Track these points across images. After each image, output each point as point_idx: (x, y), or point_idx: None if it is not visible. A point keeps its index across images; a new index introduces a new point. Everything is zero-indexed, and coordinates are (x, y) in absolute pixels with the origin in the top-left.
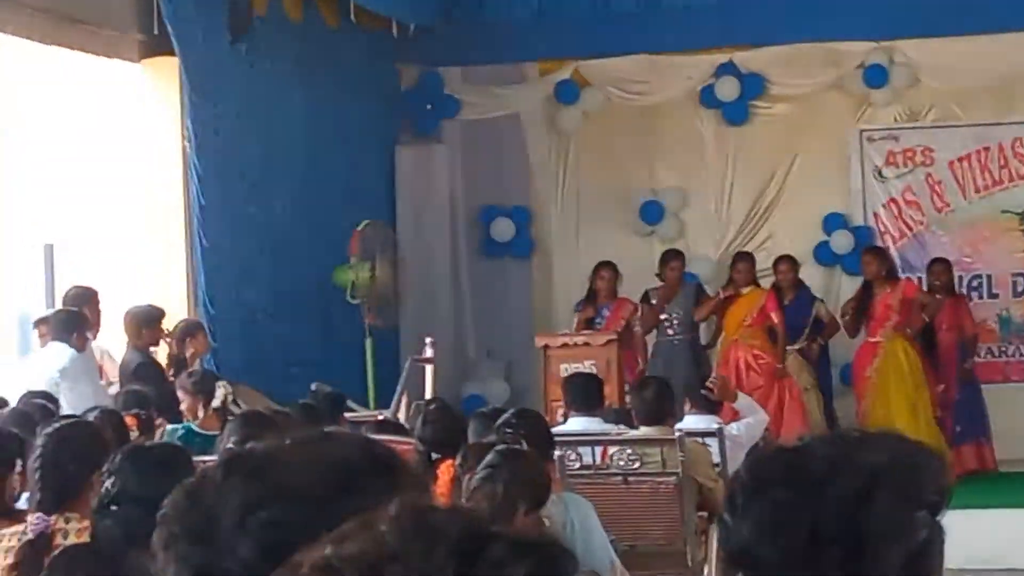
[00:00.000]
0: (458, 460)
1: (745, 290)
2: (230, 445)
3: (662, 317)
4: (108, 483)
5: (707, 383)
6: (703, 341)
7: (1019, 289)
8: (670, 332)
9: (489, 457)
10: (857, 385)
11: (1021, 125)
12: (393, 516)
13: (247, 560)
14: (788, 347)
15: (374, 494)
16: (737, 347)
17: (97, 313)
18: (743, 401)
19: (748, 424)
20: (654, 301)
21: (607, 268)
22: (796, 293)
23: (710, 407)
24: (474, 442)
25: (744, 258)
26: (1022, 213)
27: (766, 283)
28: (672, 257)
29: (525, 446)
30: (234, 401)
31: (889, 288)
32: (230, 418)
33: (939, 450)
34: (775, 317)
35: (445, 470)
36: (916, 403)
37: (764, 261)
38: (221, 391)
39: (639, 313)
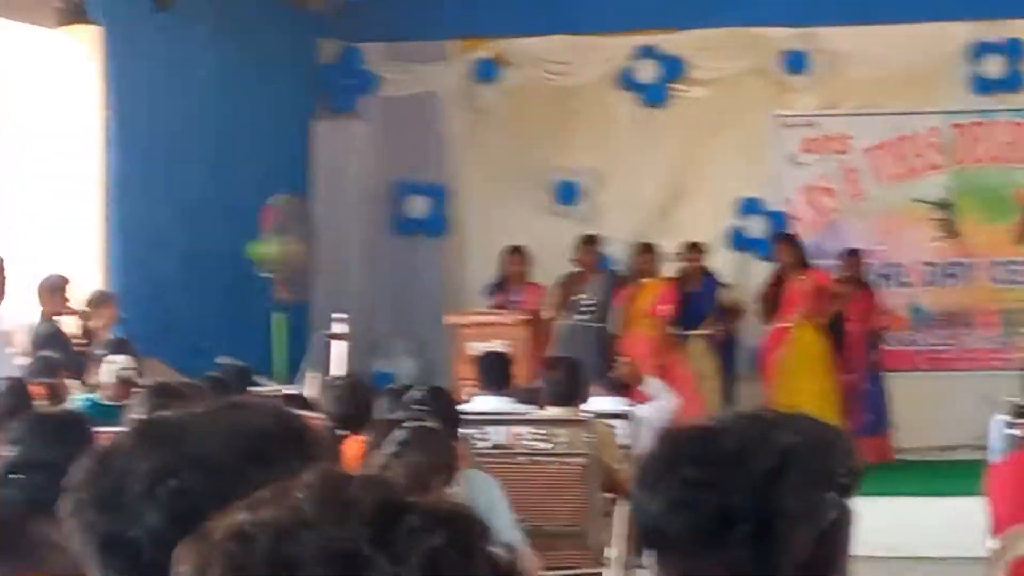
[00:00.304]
0: (365, 436)
1: (646, 280)
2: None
3: (574, 299)
4: (10, 451)
5: (613, 365)
6: (611, 329)
7: (930, 278)
8: (582, 316)
9: (398, 433)
10: (765, 370)
11: (938, 115)
12: (309, 484)
13: (154, 528)
14: (694, 331)
15: (285, 463)
16: (637, 336)
17: (1, 280)
18: (653, 384)
19: (657, 407)
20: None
21: (518, 253)
22: (702, 279)
23: (619, 389)
24: (382, 418)
25: (646, 248)
26: (936, 203)
27: (677, 268)
28: (589, 241)
29: (433, 423)
30: (135, 373)
31: (801, 275)
32: (135, 390)
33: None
34: (663, 308)
35: (352, 446)
36: (822, 390)
37: (678, 245)
38: (110, 366)
39: (550, 298)
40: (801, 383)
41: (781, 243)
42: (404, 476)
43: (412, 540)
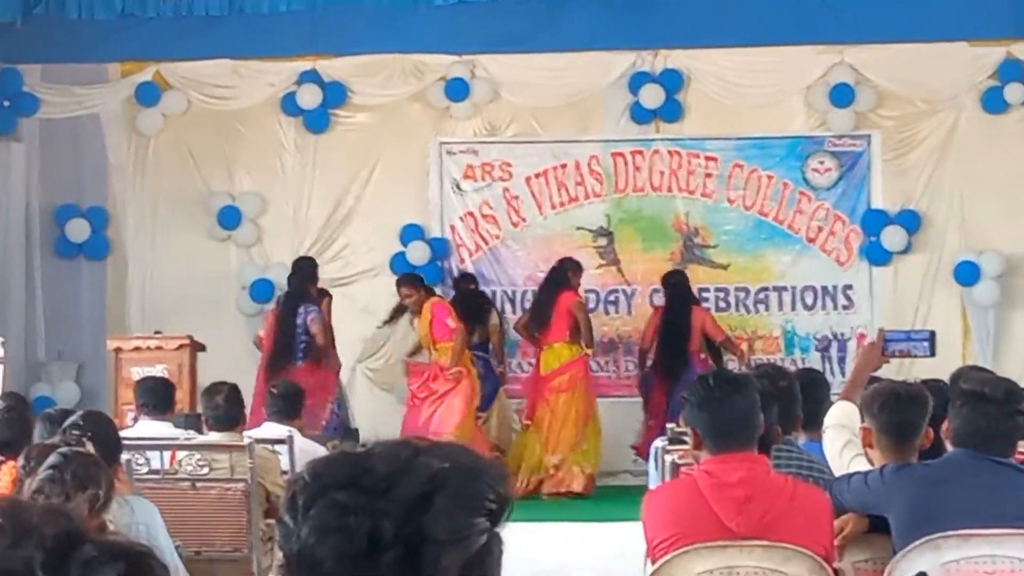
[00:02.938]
0: (20, 461)
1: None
2: None
3: None
4: None
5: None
6: None
7: (592, 304)
8: None
9: (51, 458)
10: (539, 392)
11: (597, 143)
12: None
13: None
14: None
15: None
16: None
17: None
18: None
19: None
20: None
21: None
22: None
23: (287, 415)
24: (37, 443)
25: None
26: (596, 230)
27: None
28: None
29: (91, 448)
30: None
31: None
32: None
33: (503, 462)
34: (456, 325)
35: (7, 471)
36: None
37: (340, 270)
38: None
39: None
40: (581, 405)
41: (574, 266)
42: (63, 500)
43: (86, 570)
